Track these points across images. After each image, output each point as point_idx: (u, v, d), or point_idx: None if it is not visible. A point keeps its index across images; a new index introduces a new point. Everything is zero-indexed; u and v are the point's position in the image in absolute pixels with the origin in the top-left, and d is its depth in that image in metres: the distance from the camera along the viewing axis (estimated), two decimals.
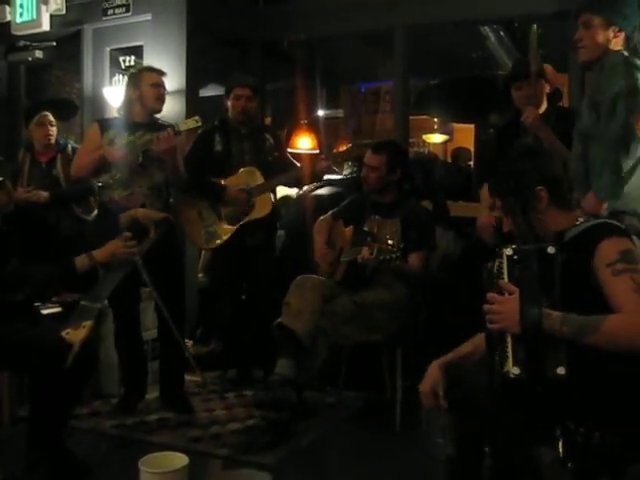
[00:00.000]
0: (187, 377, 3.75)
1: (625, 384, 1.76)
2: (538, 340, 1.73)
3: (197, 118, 3.44)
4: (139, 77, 3.50)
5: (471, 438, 2.02)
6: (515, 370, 1.75)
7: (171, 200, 3.67)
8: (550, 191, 1.95)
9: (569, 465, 1.72)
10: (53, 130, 4.26)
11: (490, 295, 1.85)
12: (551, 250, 1.79)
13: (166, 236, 3.33)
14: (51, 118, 4.25)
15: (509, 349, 1.77)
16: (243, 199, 3.79)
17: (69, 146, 4.32)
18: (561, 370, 1.71)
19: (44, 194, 4.11)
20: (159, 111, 3.56)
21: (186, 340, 4.42)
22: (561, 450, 1.73)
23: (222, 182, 3.82)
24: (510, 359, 1.76)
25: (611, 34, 2.59)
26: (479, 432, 1.98)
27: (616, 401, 1.76)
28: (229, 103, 3.92)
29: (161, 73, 3.55)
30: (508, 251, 1.84)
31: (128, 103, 3.53)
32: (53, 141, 4.27)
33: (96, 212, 4.32)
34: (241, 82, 3.92)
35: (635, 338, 1.70)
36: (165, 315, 3.33)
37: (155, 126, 3.50)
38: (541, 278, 1.78)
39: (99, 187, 3.54)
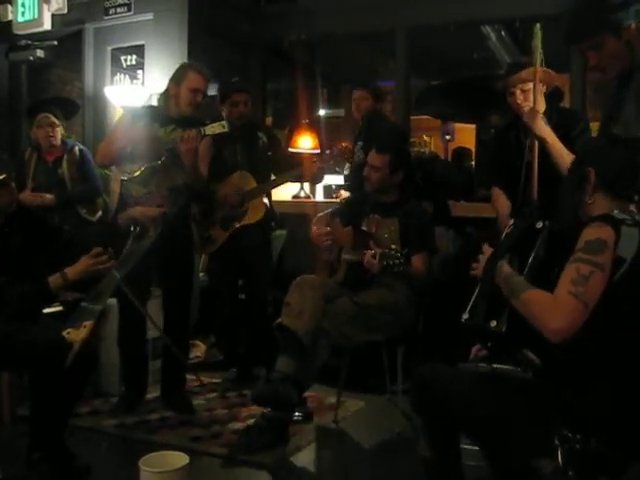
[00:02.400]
0: (191, 377, 3.77)
1: (618, 390, 1.76)
2: (486, 293, 1.96)
3: (224, 123, 3.39)
4: (183, 76, 3.42)
5: (445, 439, 2.06)
6: (465, 315, 1.99)
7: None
8: (598, 174, 1.93)
9: (570, 473, 1.73)
10: (55, 131, 4.23)
11: (484, 247, 2.11)
12: (539, 225, 1.98)
13: (177, 235, 3.33)
14: (52, 119, 4.22)
15: (472, 299, 2.03)
16: (235, 200, 3.79)
17: (76, 147, 4.31)
18: (493, 323, 1.91)
19: (49, 197, 4.10)
20: (191, 115, 3.47)
21: (198, 342, 4.45)
22: (561, 459, 1.74)
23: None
24: (468, 307, 2.01)
25: (626, 35, 2.41)
26: (452, 433, 2.04)
27: (610, 408, 1.76)
28: (225, 109, 3.92)
29: (206, 77, 3.46)
30: (511, 220, 2.14)
31: (166, 96, 3.48)
32: (57, 141, 4.25)
33: (100, 213, 4.33)
34: (237, 88, 3.92)
35: (540, 318, 1.76)
36: (178, 306, 3.30)
37: (188, 122, 3.43)
38: (519, 245, 1.99)
39: (123, 181, 3.44)
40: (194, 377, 3.86)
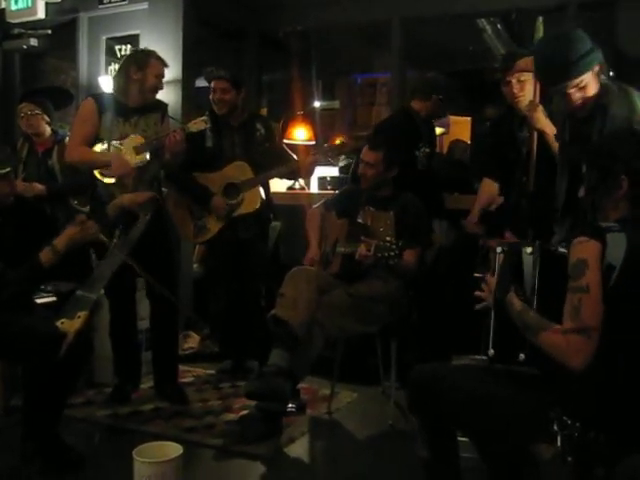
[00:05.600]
0: (184, 367, 3.77)
1: (618, 383, 1.78)
2: (506, 325, 1.94)
3: (205, 119, 3.41)
4: (146, 62, 3.39)
5: (442, 438, 2.07)
6: (491, 352, 1.99)
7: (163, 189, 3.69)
8: (632, 186, 1.92)
9: (569, 459, 1.75)
10: (35, 119, 4.17)
11: (487, 277, 2.07)
12: (528, 250, 1.96)
13: (156, 224, 3.32)
14: (30, 108, 4.16)
15: (490, 333, 2.02)
16: (226, 206, 3.80)
17: (67, 139, 4.27)
18: (521, 356, 1.92)
19: (39, 187, 4.06)
20: (144, 102, 3.44)
21: (192, 333, 4.45)
22: (560, 445, 1.76)
23: (210, 177, 3.84)
24: (490, 342, 2.02)
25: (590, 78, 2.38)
26: (450, 433, 2.06)
27: (608, 399, 1.77)
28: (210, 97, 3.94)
29: (165, 64, 3.48)
30: (498, 249, 2.07)
31: (126, 85, 3.42)
32: (40, 130, 4.21)
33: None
34: (214, 75, 3.90)
35: (557, 354, 1.79)
36: (164, 296, 3.28)
37: (147, 108, 3.44)
38: (516, 271, 1.98)
39: (103, 183, 3.41)
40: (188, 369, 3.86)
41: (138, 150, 3.34)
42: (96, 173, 3.41)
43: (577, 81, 2.37)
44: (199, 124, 3.40)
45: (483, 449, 1.93)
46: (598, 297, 1.76)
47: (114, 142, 3.36)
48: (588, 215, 2.03)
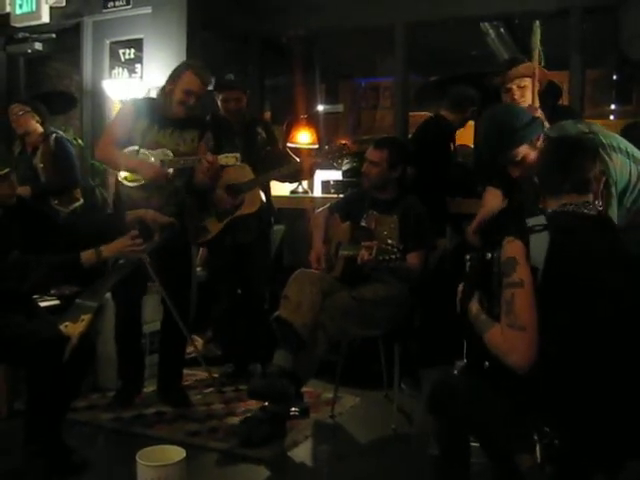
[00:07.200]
0: (187, 371, 3.77)
1: (600, 393, 1.76)
2: (471, 335, 1.95)
3: (237, 156, 3.40)
4: (179, 75, 3.34)
5: (455, 439, 2.06)
6: (458, 363, 2.09)
7: None
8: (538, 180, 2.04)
9: (547, 469, 1.74)
10: (23, 119, 4.20)
11: (459, 288, 2.11)
12: (488, 256, 1.97)
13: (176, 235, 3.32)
14: (19, 108, 4.21)
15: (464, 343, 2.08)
16: (229, 199, 3.78)
17: (52, 136, 4.27)
18: (486, 364, 1.93)
19: (23, 190, 4.06)
20: (178, 116, 3.39)
21: (196, 337, 4.45)
22: (539, 455, 1.76)
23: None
24: (464, 352, 2.09)
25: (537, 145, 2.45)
26: (462, 433, 2.04)
27: (590, 407, 1.75)
28: (219, 102, 3.94)
29: (204, 81, 3.37)
30: (467, 257, 2.09)
31: (162, 93, 3.41)
32: (32, 128, 4.22)
33: (81, 202, 4.30)
34: (229, 86, 3.91)
35: (498, 353, 1.80)
36: (171, 309, 3.29)
37: (186, 123, 3.40)
38: (480, 278, 1.99)
39: (121, 183, 3.39)
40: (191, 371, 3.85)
41: (166, 164, 3.32)
42: (119, 178, 3.41)
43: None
44: (230, 159, 3.39)
45: (489, 455, 1.93)
46: (531, 291, 1.77)
47: (144, 150, 3.34)
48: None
